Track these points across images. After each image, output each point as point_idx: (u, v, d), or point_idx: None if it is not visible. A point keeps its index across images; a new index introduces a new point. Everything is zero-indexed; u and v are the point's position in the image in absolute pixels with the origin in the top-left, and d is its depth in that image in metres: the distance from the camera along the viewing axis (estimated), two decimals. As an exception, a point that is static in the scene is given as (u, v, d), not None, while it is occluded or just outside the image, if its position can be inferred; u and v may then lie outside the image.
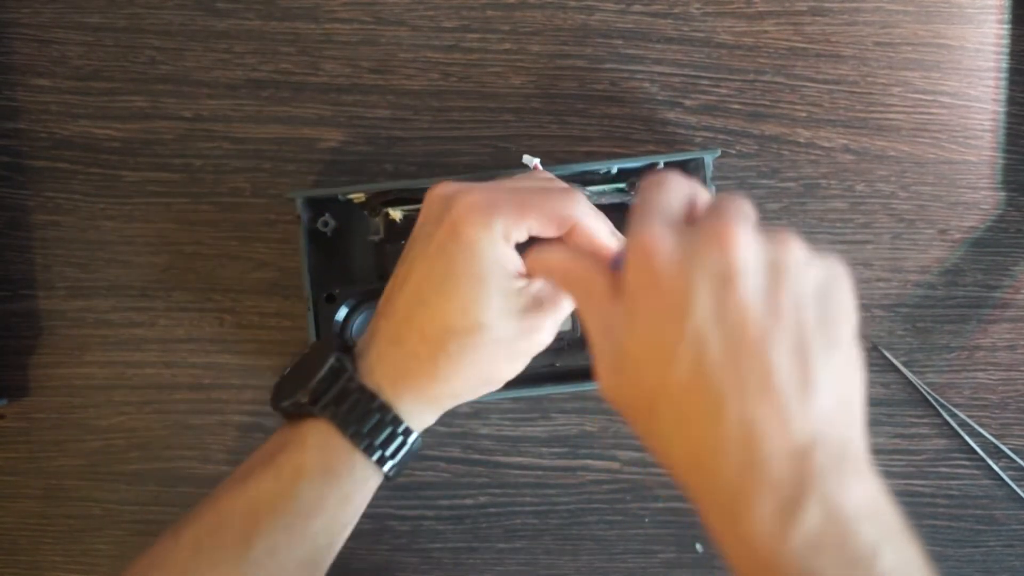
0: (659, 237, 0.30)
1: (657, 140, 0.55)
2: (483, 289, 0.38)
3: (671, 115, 0.55)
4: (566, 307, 0.41)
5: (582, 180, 0.52)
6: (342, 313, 0.51)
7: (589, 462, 0.56)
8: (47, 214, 0.55)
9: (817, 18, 0.55)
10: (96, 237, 0.55)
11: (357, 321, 0.51)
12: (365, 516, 0.55)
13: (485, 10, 0.55)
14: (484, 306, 0.38)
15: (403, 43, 0.55)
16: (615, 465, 0.56)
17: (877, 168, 0.55)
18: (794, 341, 0.29)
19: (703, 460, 0.29)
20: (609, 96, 0.55)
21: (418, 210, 0.51)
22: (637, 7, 0.55)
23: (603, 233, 0.40)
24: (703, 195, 0.34)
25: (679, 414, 0.30)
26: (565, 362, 0.51)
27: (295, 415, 0.40)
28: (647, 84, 0.55)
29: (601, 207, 0.51)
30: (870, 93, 0.55)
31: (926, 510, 0.56)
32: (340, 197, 0.51)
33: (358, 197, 0.51)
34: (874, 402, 0.55)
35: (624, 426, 0.56)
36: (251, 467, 0.39)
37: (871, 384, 0.56)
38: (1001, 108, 0.56)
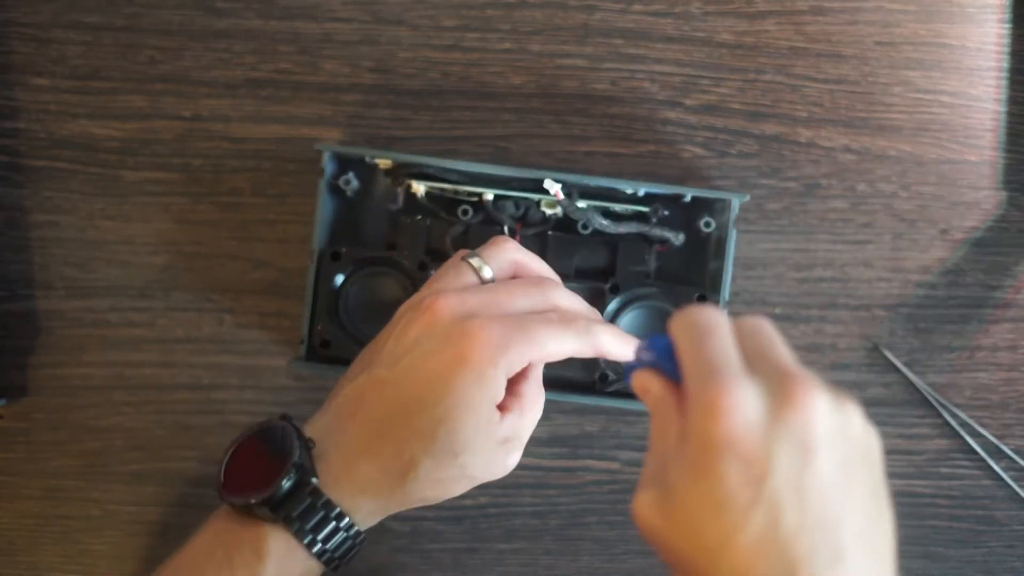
0: (738, 397, 0.30)
1: (657, 140, 0.55)
2: (473, 422, 0.39)
3: (671, 115, 0.55)
4: (524, 441, 0.42)
5: (605, 196, 0.52)
6: (339, 280, 0.51)
7: (589, 462, 0.56)
8: (46, 214, 0.55)
9: (818, 17, 0.55)
10: (95, 237, 0.55)
11: (352, 291, 0.51)
12: (365, 517, 0.55)
13: (485, 9, 0.55)
14: (468, 437, 0.39)
15: (403, 42, 0.55)
16: (615, 465, 0.56)
17: (878, 168, 0.55)
18: (864, 513, 0.30)
19: None
20: (609, 96, 0.55)
21: (441, 189, 0.52)
22: (637, 6, 0.55)
23: (618, 347, 0.41)
24: (739, 328, 0.34)
25: (740, 573, 0.30)
26: (553, 370, 0.51)
27: (247, 513, 0.39)
28: (647, 83, 0.55)
29: (619, 236, 0.51)
30: (871, 93, 0.55)
31: (927, 510, 0.56)
32: (368, 159, 0.51)
33: (385, 163, 0.51)
34: (875, 402, 0.55)
35: (624, 426, 0.55)
36: (201, 564, 0.39)
37: (872, 384, 0.55)
38: (1002, 108, 0.55)
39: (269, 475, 0.38)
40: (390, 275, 0.52)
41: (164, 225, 0.55)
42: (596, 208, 0.52)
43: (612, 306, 0.51)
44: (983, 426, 0.55)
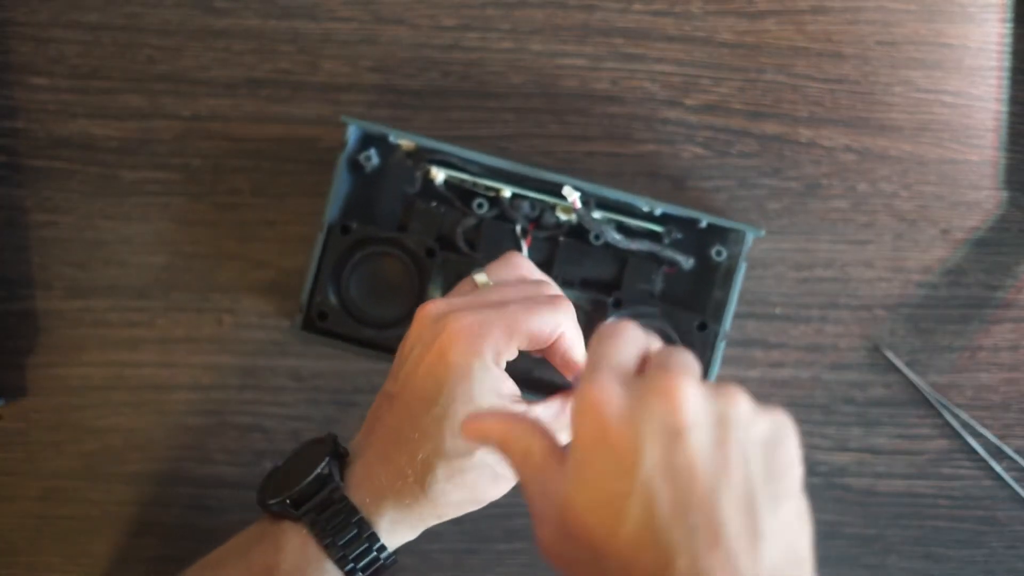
0: (607, 391, 0.30)
1: (658, 139, 0.55)
2: None
3: (672, 114, 0.55)
4: (561, 439, 0.42)
5: (621, 210, 0.52)
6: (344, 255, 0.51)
7: (589, 463, 0.56)
8: (45, 214, 0.55)
9: (819, 17, 0.55)
10: (94, 237, 0.55)
11: (356, 268, 0.51)
12: (364, 517, 0.55)
13: (485, 9, 0.55)
14: None
15: (403, 42, 0.55)
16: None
17: (879, 167, 0.55)
18: (742, 494, 0.30)
19: None
20: (609, 95, 0.55)
21: (460, 179, 0.52)
22: (638, 6, 0.55)
23: (581, 348, 0.41)
24: (655, 346, 0.34)
25: (627, 567, 0.30)
26: (542, 372, 0.51)
27: (278, 514, 0.40)
28: (648, 83, 0.55)
29: (630, 252, 0.51)
30: (872, 92, 0.55)
31: (928, 511, 0.56)
32: (392, 139, 0.51)
33: (408, 145, 0.51)
34: (876, 403, 0.55)
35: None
36: (223, 558, 0.40)
37: (872, 384, 0.55)
38: (1003, 107, 0.55)
39: (297, 479, 0.40)
40: (396, 256, 0.51)
41: (163, 225, 0.55)
42: (611, 221, 0.52)
43: (612, 320, 0.51)
44: (984, 426, 0.55)
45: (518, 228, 0.52)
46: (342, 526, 0.39)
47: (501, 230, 0.52)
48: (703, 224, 0.51)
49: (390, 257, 0.51)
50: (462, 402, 0.39)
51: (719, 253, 0.52)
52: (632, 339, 0.34)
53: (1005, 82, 0.55)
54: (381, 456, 0.40)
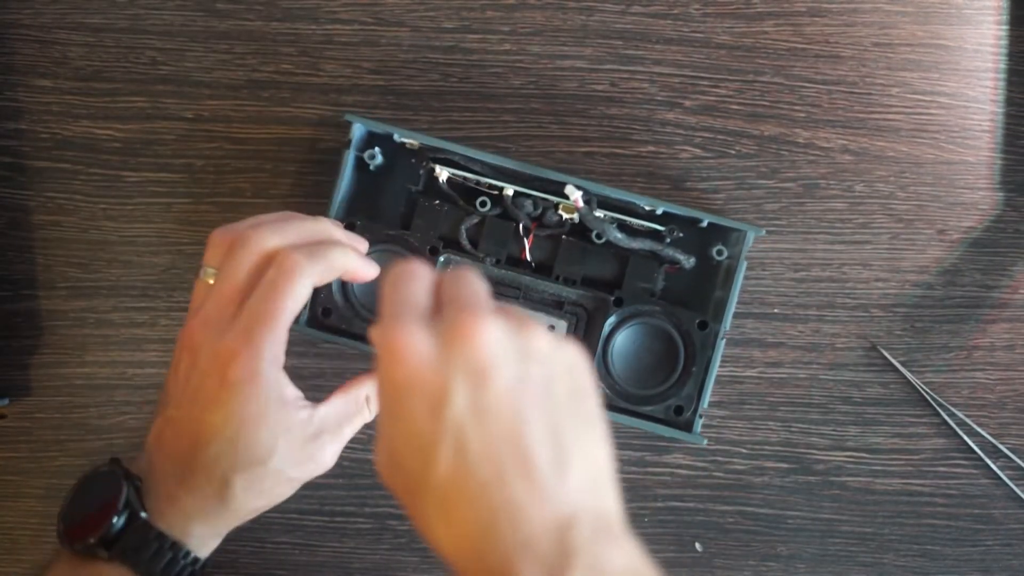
0: (411, 337, 0.31)
1: (656, 140, 0.55)
2: (265, 428, 0.40)
3: (670, 115, 0.55)
4: (347, 433, 0.44)
5: (624, 210, 0.52)
6: None
7: (589, 461, 0.56)
8: (48, 214, 0.55)
9: (816, 19, 0.55)
10: (97, 237, 0.55)
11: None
12: (365, 516, 0.55)
13: (485, 11, 0.55)
14: (269, 444, 0.40)
15: (403, 44, 0.55)
16: (615, 464, 0.56)
17: (876, 168, 0.56)
18: (548, 424, 0.31)
19: (470, 543, 0.31)
20: (608, 97, 0.55)
21: (464, 178, 0.52)
22: (636, 8, 0.55)
23: (357, 264, 0.44)
24: (443, 278, 0.35)
25: (444, 504, 0.31)
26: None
27: (85, 555, 0.40)
28: (646, 85, 0.55)
29: (631, 251, 0.52)
30: (869, 94, 0.56)
31: (924, 509, 0.56)
32: (396, 137, 0.51)
33: (412, 144, 0.52)
34: (873, 402, 0.56)
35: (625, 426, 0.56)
36: None
37: (869, 384, 0.56)
38: (999, 109, 0.56)
39: (103, 517, 0.39)
40: (400, 254, 0.52)
41: (166, 226, 0.55)
42: (612, 220, 0.52)
43: (613, 318, 0.51)
44: (980, 425, 0.56)
45: (520, 226, 0.52)
46: (156, 554, 0.39)
47: (504, 228, 0.52)
48: (704, 223, 0.51)
49: (394, 255, 0.52)
50: (251, 420, 0.40)
51: (720, 252, 0.52)
52: (421, 277, 0.34)
53: (1001, 83, 0.56)
54: (179, 480, 0.41)
